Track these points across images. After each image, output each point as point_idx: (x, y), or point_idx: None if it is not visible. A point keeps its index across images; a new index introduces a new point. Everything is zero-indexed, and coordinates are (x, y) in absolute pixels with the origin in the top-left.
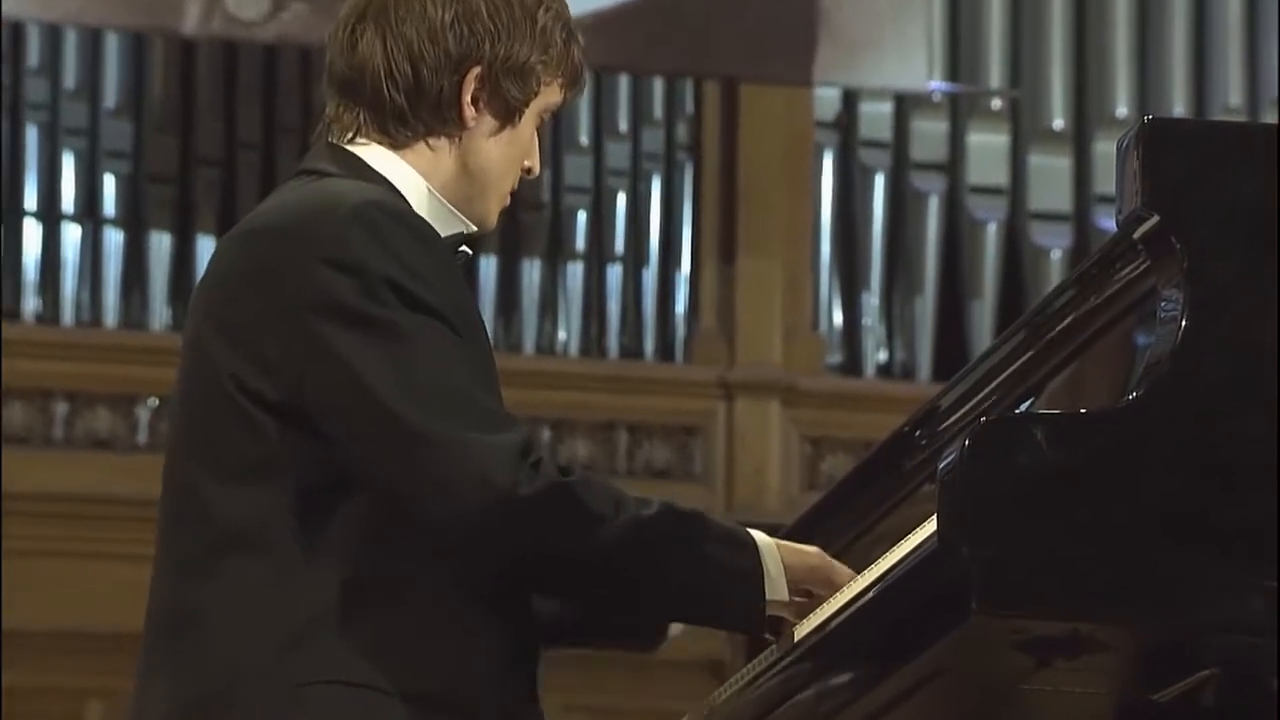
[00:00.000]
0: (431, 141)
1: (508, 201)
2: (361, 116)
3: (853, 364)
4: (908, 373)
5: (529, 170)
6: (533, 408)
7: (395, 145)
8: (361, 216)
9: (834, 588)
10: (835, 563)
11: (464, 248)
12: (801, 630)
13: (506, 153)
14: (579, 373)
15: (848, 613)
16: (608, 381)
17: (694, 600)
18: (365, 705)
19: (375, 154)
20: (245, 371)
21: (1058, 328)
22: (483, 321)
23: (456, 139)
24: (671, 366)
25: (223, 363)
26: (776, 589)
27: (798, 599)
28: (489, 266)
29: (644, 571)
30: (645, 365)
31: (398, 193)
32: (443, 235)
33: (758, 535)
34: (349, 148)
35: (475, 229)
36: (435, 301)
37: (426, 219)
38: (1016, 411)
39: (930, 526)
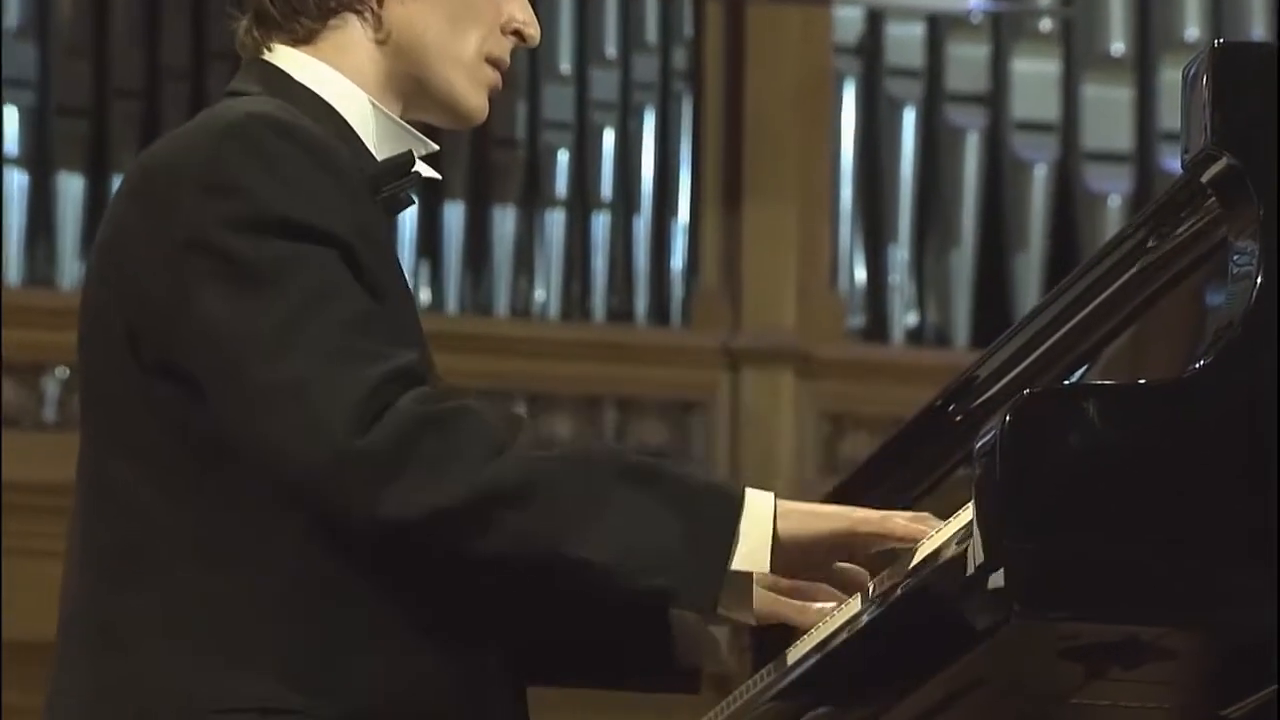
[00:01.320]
0: (335, 23)
1: (494, 79)
2: (255, 22)
3: (878, 328)
4: (942, 338)
5: (518, 34)
6: (505, 379)
7: (298, 41)
8: (239, 132)
9: (909, 535)
10: (873, 515)
11: (422, 167)
12: (816, 636)
13: (439, 9)
14: (559, 338)
15: (869, 615)
16: (593, 349)
17: (613, 566)
18: None
19: (291, 60)
20: (142, 332)
21: (1115, 284)
22: (394, 248)
23: (367, 15)
24: (667, 331)
25: (118, 323)
26: (753, 558)
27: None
28: (455, 214)
29: (520, 540)
30: (636, 330)
31: (330, 109)
32: (393, 153)
33: (755, 496)
34: (267, 59)
35: (435, 146)
36: (326, 225)
37: (371, 139)
38: (1066, 382)
39: (966, 516)
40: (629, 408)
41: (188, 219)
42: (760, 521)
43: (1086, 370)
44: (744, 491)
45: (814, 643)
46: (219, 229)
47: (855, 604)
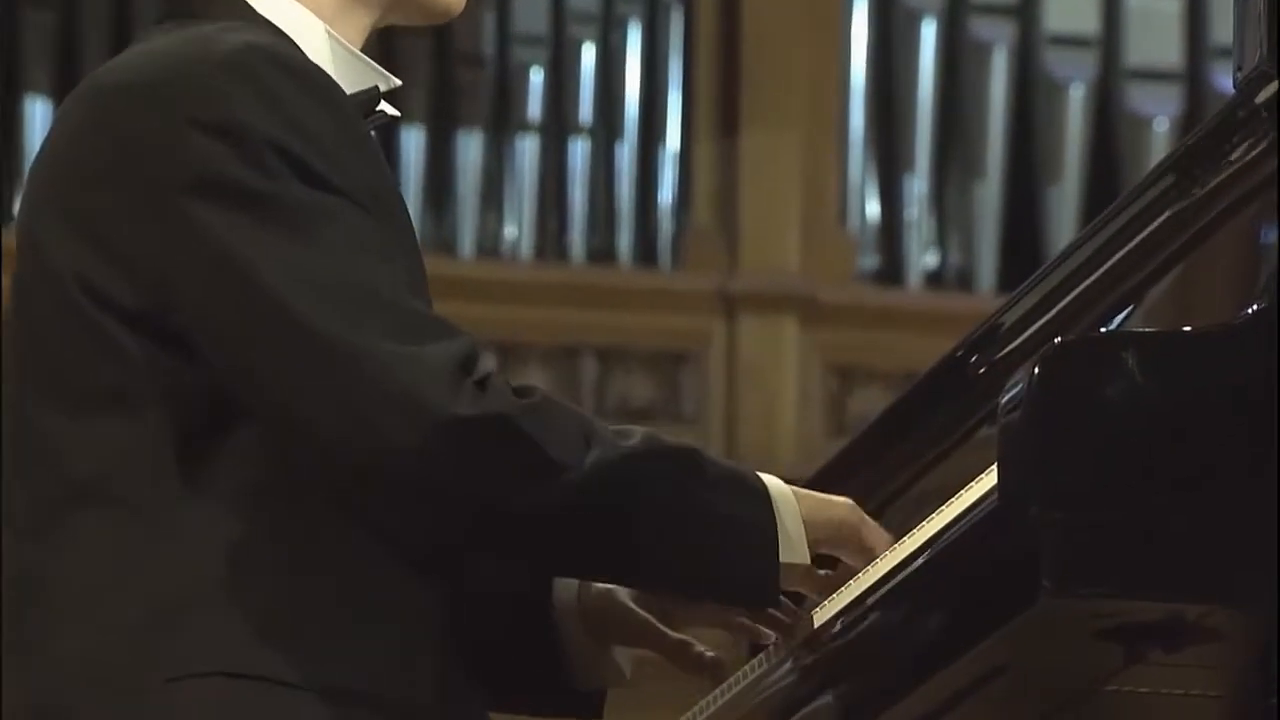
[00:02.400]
0: None
1: None
2: None
3: (892, 270)
4: (964, 281)
5: None
6: (471, 327)
7: None
8: (239, 66)
9: (867, 553)
10: (870, 521)
11: (384, 106)
12: (819, 617)
13: None
14: (532, 281)
15: (879, 594)
16: (571, 293)
17: (684, 565)
18: (259, 702)
19: None
20: (97, 271)
21: (1160, 219)
22: (405, 204)
23: None
24: (654, 273)
25: (67, 261)
26: (794, 550)
27: (819, 570)
28: (413, 141)
29: (620, 526)
30: (620, 272)
31: (291, 43)
32: (352, 88)
33: (770, 480)
34: None
35: (397, 81)
36: (339, 176)
37: (329, 72)
38: (1103, 330)
39: (990, 480)
40: (611, 359)
41: (190, 161)
42: (790, 514)
43: (1127, 316)
44: (766, 486)
45: (816, 626)
46: (234, 167)
47: (858, 584)
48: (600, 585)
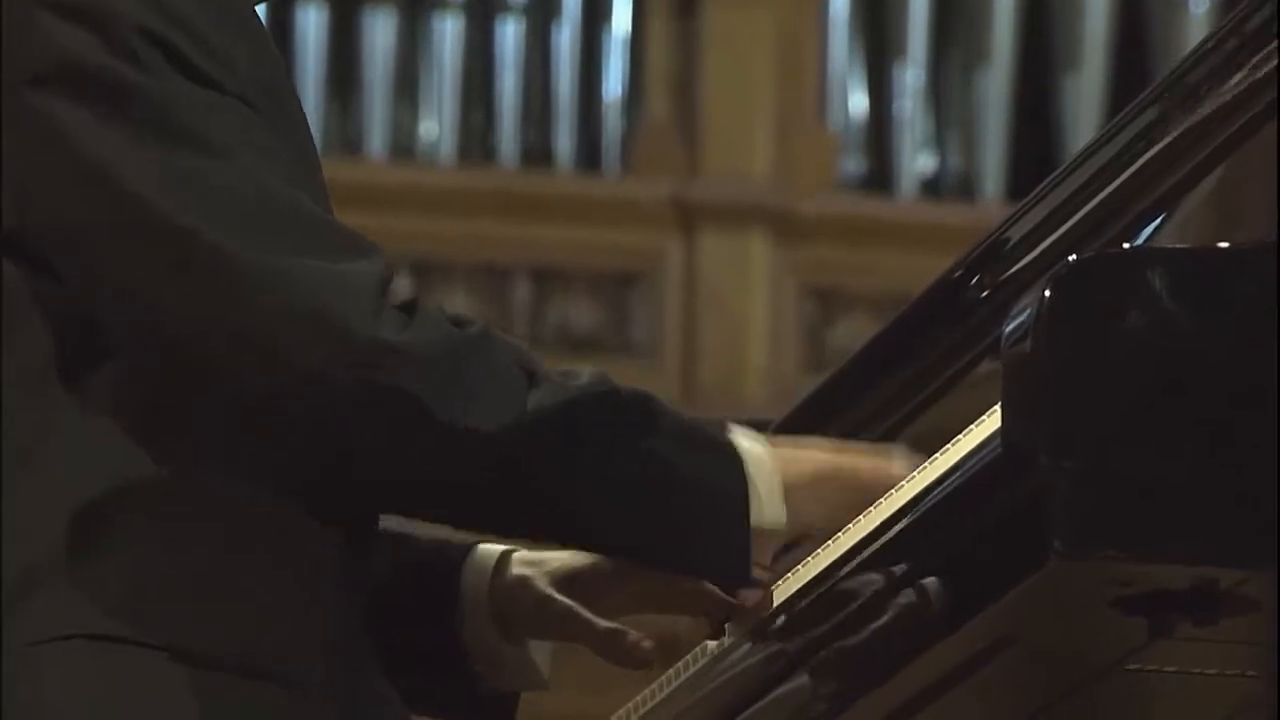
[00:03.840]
0: None
1: None
2: None
3: (881, 175)
4: (965, 188)
5: None
6: (384, 241)
7: None
8: None
9: (870, 489)
10: (860, 459)
11: None
12: (792, 583)
13: None
14: (456, 188)
15: (862, 556)
16: (501, 201)
17: (636, 531)
18: (125, 668)
19: None
20: None
21: (1195, 115)
22: (297, 97)
23: None
24: (599, 179)
25: None
26: (769, 513)
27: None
28: (313, 20)
29: (563, 482)
30: (559, 177)
31: None
32: None
33: (740, 435)
34: None
35: None
36: (218, 65)
37: None
38: (1125, 246)
39: (992, 423)
40: (548, 281)
41: (45, 50)
42: (760, 469)
43: (1154, 230)
44: (735, 441)
45: (786, 595)
46: (97, 55)
47: (838, 545)
48: (516, 572)
